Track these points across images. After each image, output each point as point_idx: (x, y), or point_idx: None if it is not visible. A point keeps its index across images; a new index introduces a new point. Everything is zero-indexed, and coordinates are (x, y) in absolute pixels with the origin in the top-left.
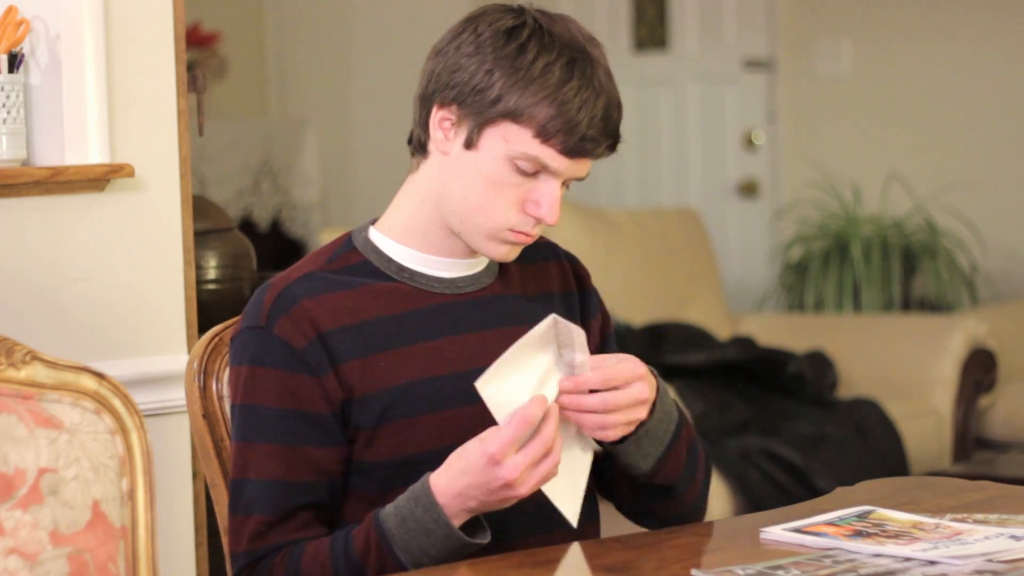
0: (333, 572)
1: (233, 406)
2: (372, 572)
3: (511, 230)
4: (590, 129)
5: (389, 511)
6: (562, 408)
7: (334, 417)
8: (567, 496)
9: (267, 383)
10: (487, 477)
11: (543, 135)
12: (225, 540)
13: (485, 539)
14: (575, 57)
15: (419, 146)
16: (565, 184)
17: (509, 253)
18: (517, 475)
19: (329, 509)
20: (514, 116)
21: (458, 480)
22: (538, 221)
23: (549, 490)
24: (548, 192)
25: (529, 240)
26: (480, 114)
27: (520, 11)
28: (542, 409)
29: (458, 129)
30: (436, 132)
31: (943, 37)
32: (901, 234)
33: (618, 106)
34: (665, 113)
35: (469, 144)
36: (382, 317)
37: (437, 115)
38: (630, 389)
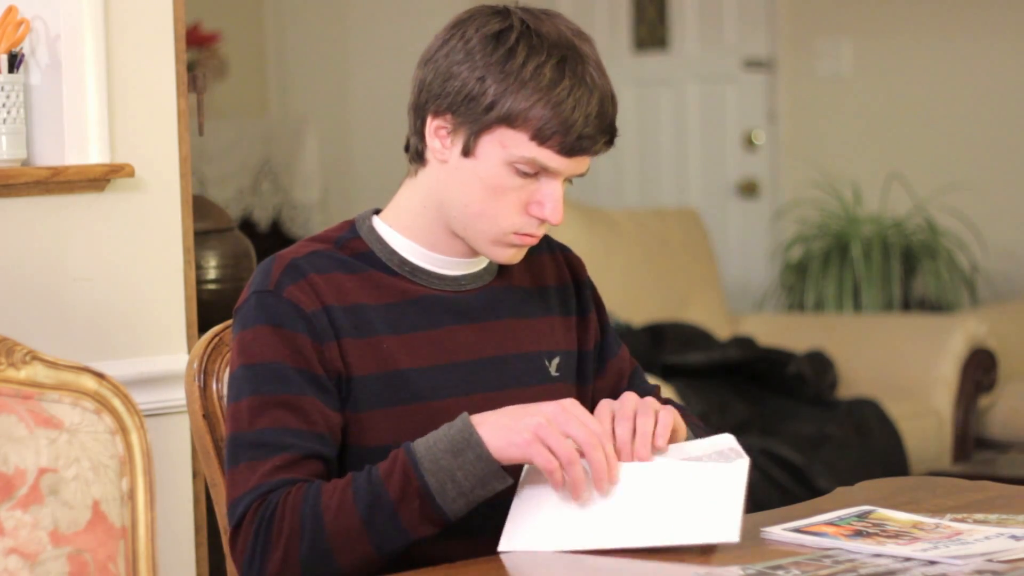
0: (353, 493)
1: (235, 371)
2: (394, 493)
3: (516, 233)
4: (586, 127)
5: (419, 440)
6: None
7: (332, 384)
8: (715, 523)
9: (275, 340)
10: (540, 406)
11: (540, 137)
12: (221, 517)
13: (510, 480)
14: (565, 55)
15: (416, 155)
16: (567, 180)
17: (515, 256)
18: (561, 411)
19: (335, 475)
20: (509, 121)
21: (502, 412)
22: (542, 221)
23: (690, 537)
24: (550, 192)
25: (534, 241)
26: (475, 122)
27: (506, 13)
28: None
29: (454, 138)
30: (433, 141)
31: (943, 37)
32: (901, 234)
33: (612, 100)
34: (665, 113)
35: (467, 152)
36: (383, 304)
37: (432, 124)
38: (622, 407)
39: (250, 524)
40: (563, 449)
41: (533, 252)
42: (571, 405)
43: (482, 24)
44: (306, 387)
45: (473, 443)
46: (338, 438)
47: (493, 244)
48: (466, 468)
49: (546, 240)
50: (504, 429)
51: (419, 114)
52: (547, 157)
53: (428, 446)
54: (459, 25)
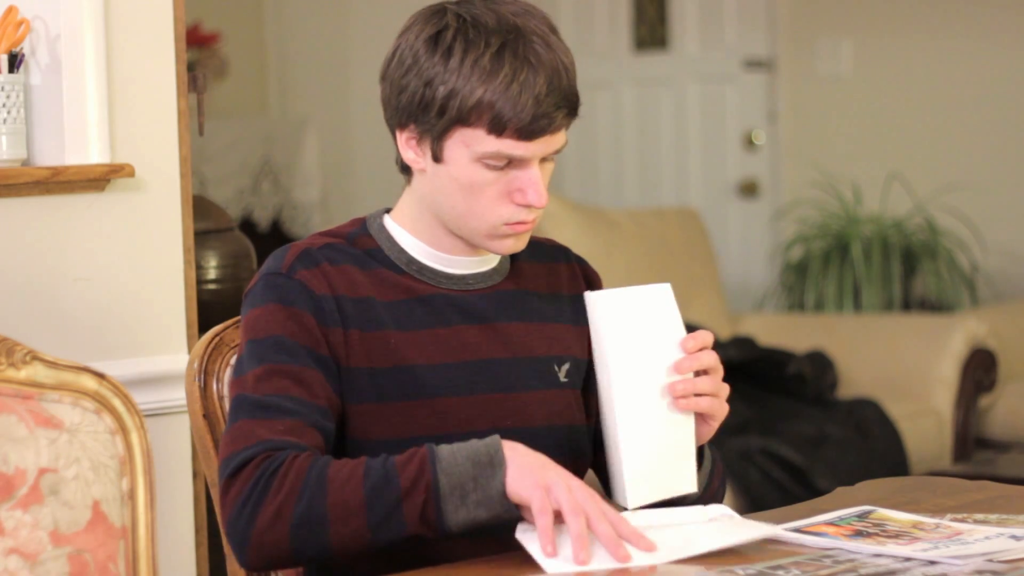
0: (364, 472)
1: (242, 350)
2: (405, 480)
3: (506, 224)
4: (539, 107)
5: (444, 444)
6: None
7: (334, 364)
8: (676, 476)
9: (283, 317)
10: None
11: (496, 129)
12: (213, 475)
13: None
14: (505, 40)
15: (403, 168)
16: (548, 159)
17: (515, 244)
18: (572, 488)
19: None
20: (463, 120)
21: (532, 454)
22: (529, 207)
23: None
24: (528, 178)
25: (528, 227)
26: (433, 128)
27: (443, 11)
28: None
29: (423, 146)
30: (407, 153)
31: (943, 37)
32: (901, 234)
33: (564, 70)
34: (665, 113)
35: (436, 158)
36: (392, 302)
37: (402, 138)
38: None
39: (250, 474)
40: (570, 503)
41: (550, 260)
42: (594, 498)
43: (421, 29)
44: (311, 362)
45: (496, 460)
46: (337, 418)
47: (489, 238)
48: (480, 480)
49: (563, 251)
50: (527, 466)
51: (390, 129)
52: (510, 146)
53: (451, 450)
54: (403, 34)
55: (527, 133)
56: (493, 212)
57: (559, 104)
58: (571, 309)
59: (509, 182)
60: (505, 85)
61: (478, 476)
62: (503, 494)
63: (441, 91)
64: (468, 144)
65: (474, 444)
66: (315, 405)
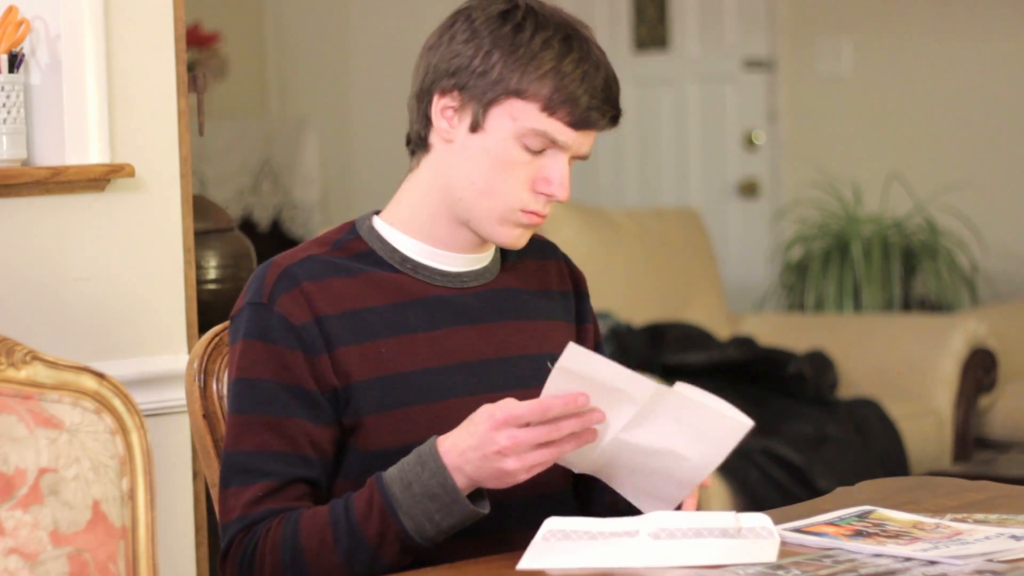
0: (333, 536)
1: (230, 381)
2: (372, 536)
3: (522, 211)
4: (593, 99)
5: (393, 475)
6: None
7: (324, 397)
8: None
9: (265, 357)
10: (485, 440)
11: (549, 108)
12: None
13: (485, 509)
14: (570, 34)
15: (420, 141)
16: (572, 161)
17: (520, 237)
18: (512, 445)
19: (324, 491)
20: (519, 92)
21: (462, 439)
22: (548, 199)
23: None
24: (557, 168)
25: (540, 220)
26: (484, 95)
27: None
28: (563, 404)
29: (462, 114)
30: (439, 122)
31: (943, 37)
32: (901, 234)
33: (615, 80)
34: (665, 113)
35: (475, 127)
36: (383, 306)
37: (439, 104)
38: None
39: (235, 556)
40: (544, 458)
41: (540, 256)
42: (505, 421)
43: (487, 6)
44: (292, 406)
45: (448, 488)
46: (328, 453)
47: (500, 223)
48: (444, 511)
49: (552, 248)
50: (493, 480)
51: (424, 97)
52: (556, 129)
53: (404, 485)
54: (463, 11)
55: (577, 121)
56: (514, 195)
57: (609, 105)
58: (561, 306)
59: (538, 169)
60: (569, 70)
61: (441, 507)
62: (470, 511)
63: (504, 61)
64: (516, 117)
65: (421, 475)
66: (295, 456)
